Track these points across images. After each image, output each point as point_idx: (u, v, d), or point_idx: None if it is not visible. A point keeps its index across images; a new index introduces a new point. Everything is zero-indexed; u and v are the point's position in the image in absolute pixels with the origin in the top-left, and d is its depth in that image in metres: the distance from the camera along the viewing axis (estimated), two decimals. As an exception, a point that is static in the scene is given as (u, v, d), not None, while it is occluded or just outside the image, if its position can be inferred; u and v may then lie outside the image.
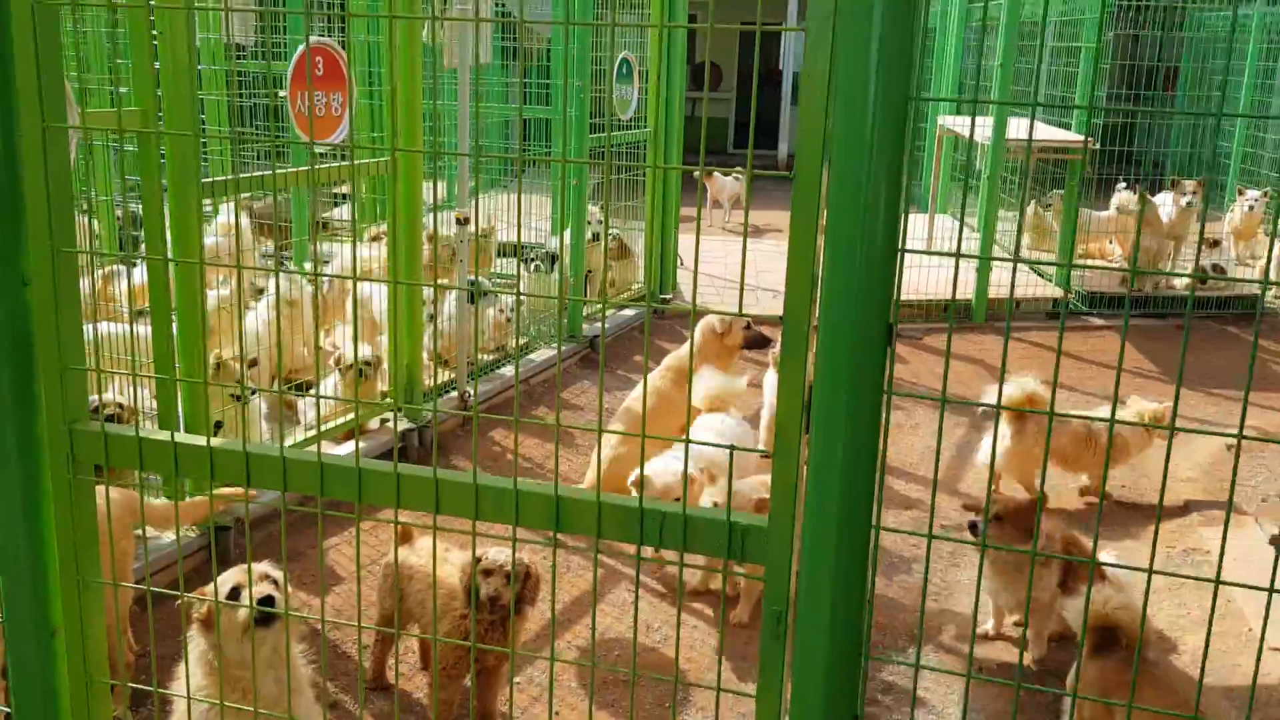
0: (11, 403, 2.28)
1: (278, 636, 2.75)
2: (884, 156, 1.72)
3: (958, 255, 1.74)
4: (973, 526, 4.14)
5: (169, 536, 4.88)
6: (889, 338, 1.80)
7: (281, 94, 5.38)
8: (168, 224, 4.58)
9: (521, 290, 8.23)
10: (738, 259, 11.34)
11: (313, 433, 5.61)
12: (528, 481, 2.06)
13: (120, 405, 4.95)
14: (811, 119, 1.74)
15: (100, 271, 6.44)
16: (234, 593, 2.85)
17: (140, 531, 4.03)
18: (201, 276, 4.88)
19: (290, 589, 3.03)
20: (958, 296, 9.71)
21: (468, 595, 3.57)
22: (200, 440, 2.21)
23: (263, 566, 2.93)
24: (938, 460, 1.95)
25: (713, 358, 5.82)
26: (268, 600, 2.71)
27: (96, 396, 4.86)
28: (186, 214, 4.54)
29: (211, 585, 2.82)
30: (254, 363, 6.06)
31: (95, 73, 7.31)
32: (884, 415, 1.83)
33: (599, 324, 8.61)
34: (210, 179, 4.71)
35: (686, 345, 5.94)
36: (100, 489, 2.36)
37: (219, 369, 5.56)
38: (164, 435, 2.23)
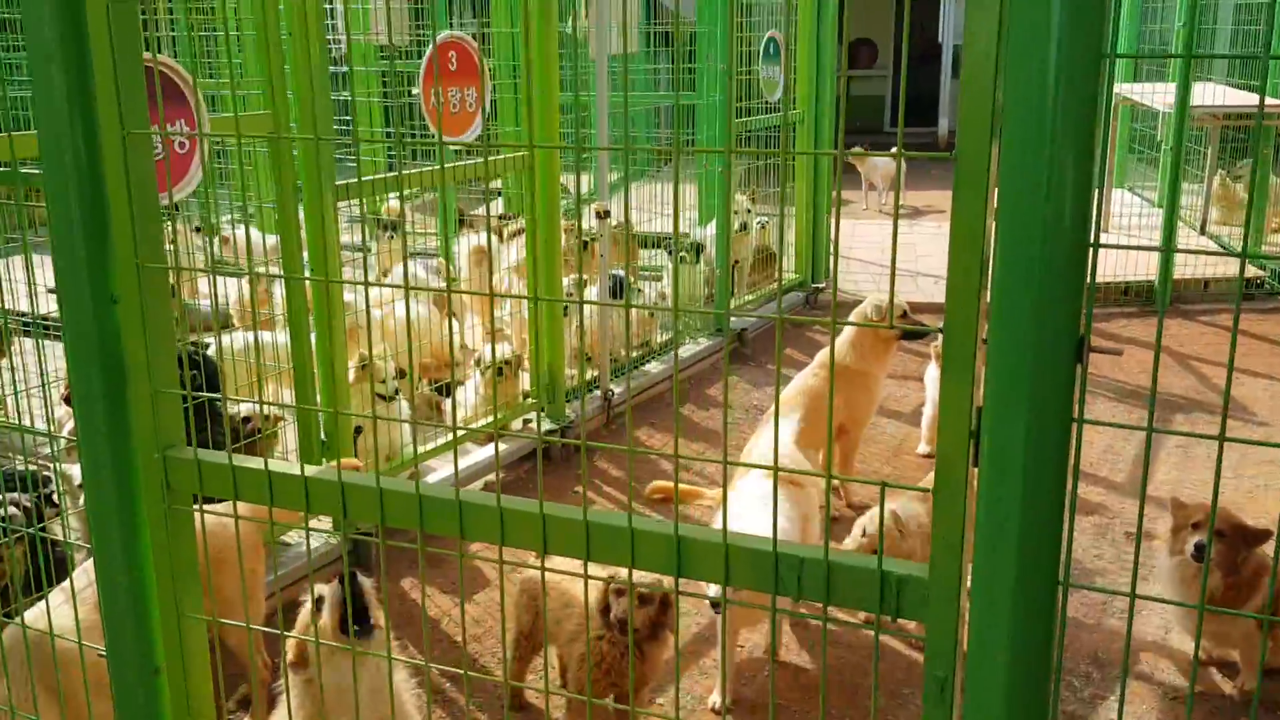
0: (106, 429, 2.15)
1: (375, 676, 2.57)
2: (1071, 127, 1.37)
3: (1169, 249, 1.37)
4: (1198, 549, 3.65)
5: (314, 541, 4.84)
6: (1079, 352, 1.45)
7: (415, 92, 5.27)
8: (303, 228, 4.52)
9: (666, 282, 7.98)
10: (898, 242, 10.77)
11: (448, 438, 5.50)
12: (645, 519, 1.80)
13: (266, 416, 4.94)
14: (976, 83, 1.41)
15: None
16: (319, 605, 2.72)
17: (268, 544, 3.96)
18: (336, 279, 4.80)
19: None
20: (1138, 277, 8.97)
21: (603, 617, 3.34)
22: (294, 469, 2.03)
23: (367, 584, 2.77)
24: (1142, 505, 1.58)
25: (868, 351, 5.43)
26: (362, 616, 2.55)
27: (242, 406, 4.85)
28: (321, 217, 4.47)
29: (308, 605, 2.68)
30: (402, 373, 5.98)
31: (251, 75, 7.43)
32: (1073, 446, 1.48)
33: (747, 317, 8.28)
34: (343, 181, 4.60)
35: (843, 336, 5.55)
36: (215, 509, 2.22)
37: (364, 369, 5.50)
38: (257, 463, 2.06)
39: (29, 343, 5.62)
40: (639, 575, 3.28)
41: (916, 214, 12.76)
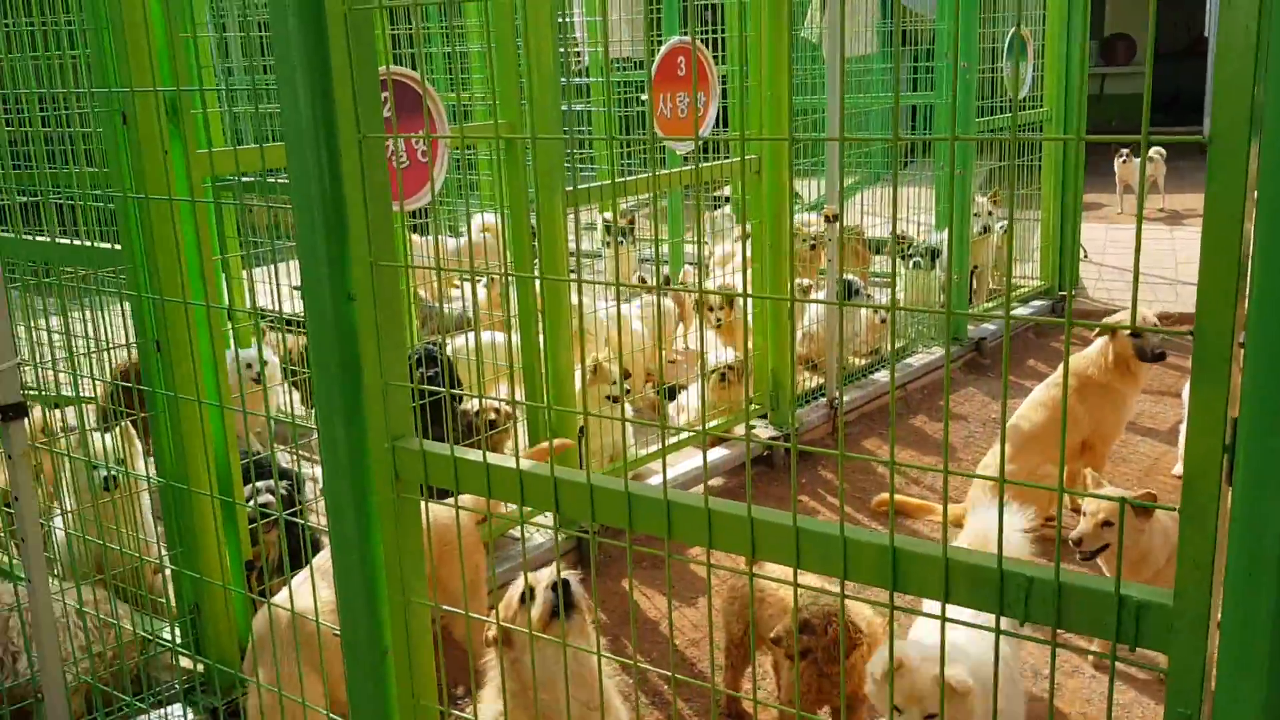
0: (342, 421, 2.26)
1: (579, 662, 2.59)
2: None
3: None
4: None
5: (539, 537, 4.98)
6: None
7: (644, 98, 5.33)
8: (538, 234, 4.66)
9: (899, 289, 7.75)
10: (1156, 248, 10.06)
11: (673, 439, 5.52)
12: (859, 528, 1.72)
13: (496, 410, 5.13)
14: (1234, 77, 1.28)
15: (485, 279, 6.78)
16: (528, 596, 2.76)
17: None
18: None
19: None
20: None
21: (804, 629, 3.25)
22: (510, 462, 2.07)
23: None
24: None
25: (1114, 364, 5.06)
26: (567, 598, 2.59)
27: (477, 401, 5.06)
28: (553, 223, 4.59)
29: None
30: (627, 374, 6.08)
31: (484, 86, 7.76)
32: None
33: (985, 325, 7.93)
34: (574, 187, 4.71)
35: (1090, 347, 5.21)
36: (434, 502, 2.31)
37: (595, 372, 5.62)
38: (476, 456, 2.12)
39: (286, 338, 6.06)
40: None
41: (1176, 219, 11.86)
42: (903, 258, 7.93)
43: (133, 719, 3.54)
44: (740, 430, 6.15)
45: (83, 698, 3.66)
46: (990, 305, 8.29)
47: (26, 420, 2.97)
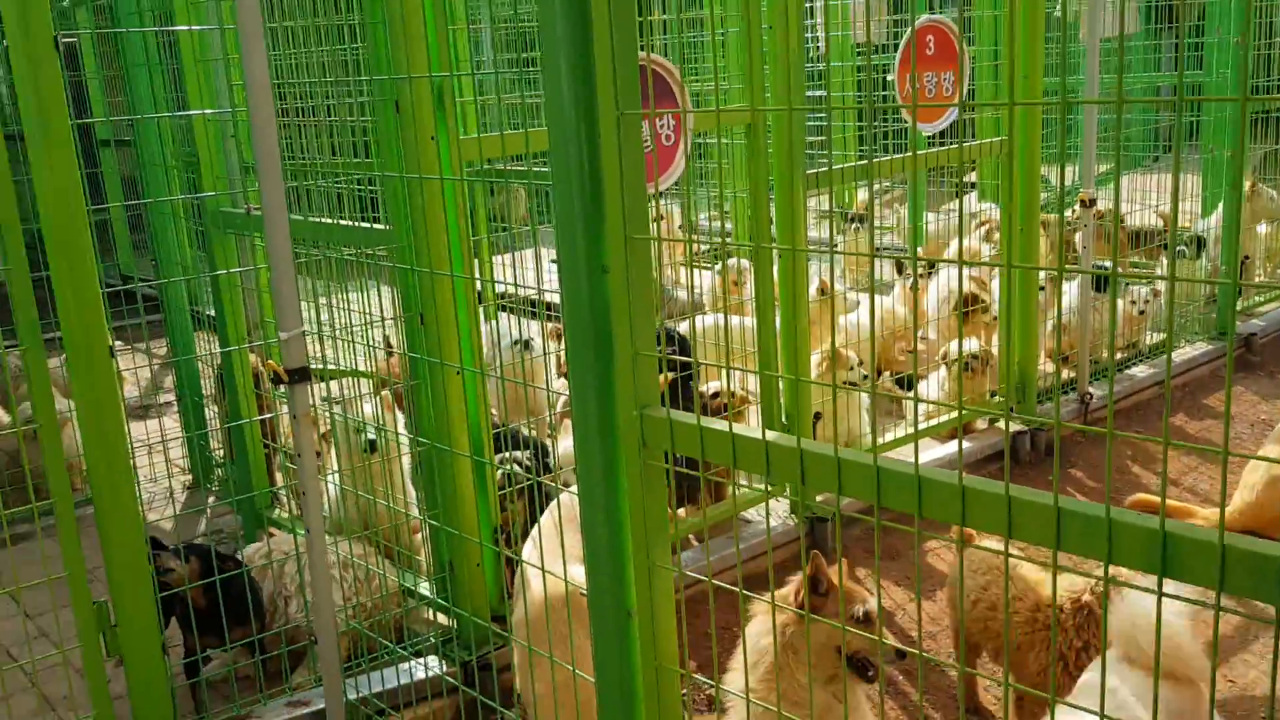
0: (595, 388, 2.35)
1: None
2: None
3: None
4: None
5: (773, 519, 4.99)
6: None
7: (890, 78, 5.23)
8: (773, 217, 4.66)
9: (1163, 278, 7.26)
10: None
11: (910, 429, 5.40)
12: (1124, 511, 1.64)
13: (732, 393, 5.16)
14: None
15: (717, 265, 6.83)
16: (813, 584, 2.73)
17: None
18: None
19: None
20: None
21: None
22: (757, 434, 2.09)
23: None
24: None
25: None
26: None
27: (715, 384, 5.12)
28: (792, 206, 4.58)
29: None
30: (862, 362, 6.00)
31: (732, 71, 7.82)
32: None
33: (1254, 320, 7.31)
34: (814, 170, 4.68)
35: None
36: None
37: (831, 360, 5.58)
38: (722, 426, 2.15)
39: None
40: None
41: None
42: (1165, 247, 7.42)
43: (391, 666, 3.79)
44: (982, 425, 5.94)
45: (348, 642, 3.96)
46: (1262, 300, 7.64)
47: (310, 384, 3.24)
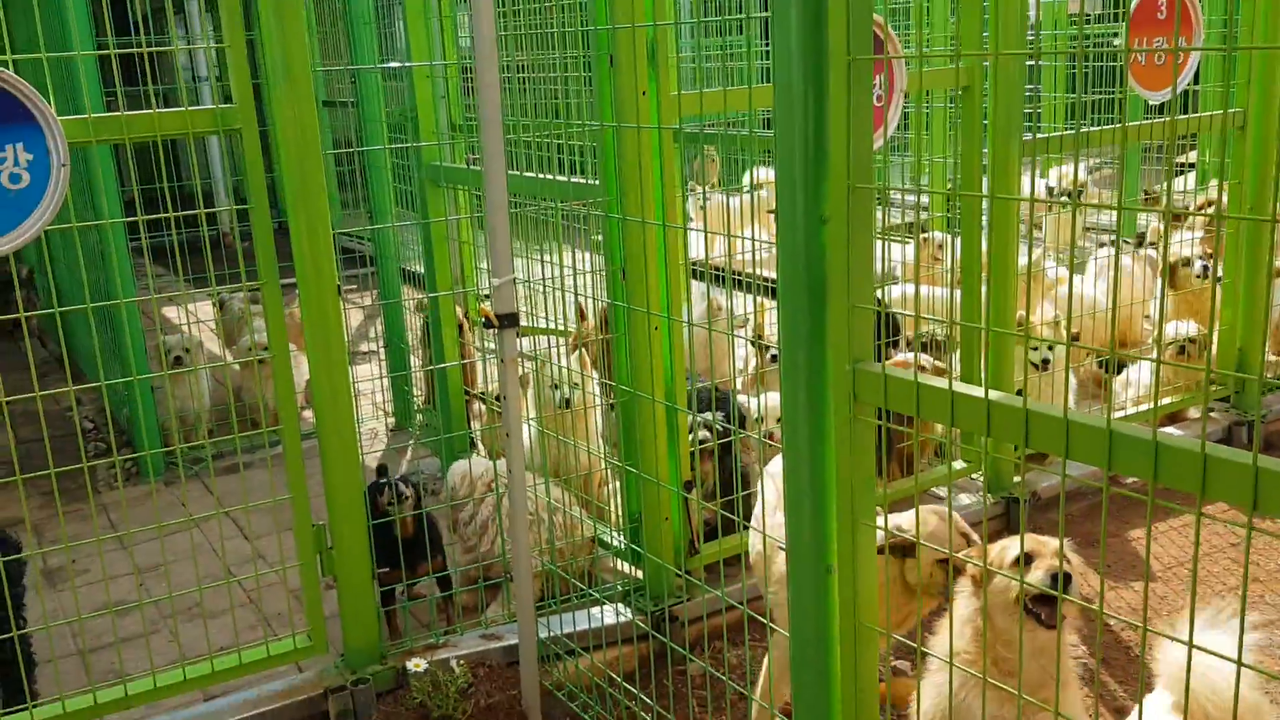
0: (806, 340, 2.33)
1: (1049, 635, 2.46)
2: None
3: None
4: None
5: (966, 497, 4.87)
6: None
7: (1117, 43, 4.96)
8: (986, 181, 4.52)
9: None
10: None
11: (1120, 413, 5.15)
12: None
13: (923, 367, 5.05)
14: None
15: (923, 236, 6.65)
16: (1030, 559, 2.62)
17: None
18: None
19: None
20: None
21: None
22: (978, 391, 2.03)
23: (1053, 543, 2.64)
24: None
25: None
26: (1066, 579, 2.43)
27: (902, 354, 5.01)
28: (1007, 174, 4.42)
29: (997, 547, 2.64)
30: (1076, 336, 5.73)
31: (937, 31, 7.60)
32: None
33: None
34: (1033, 137, 4.50)
35: None
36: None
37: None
38: (941, 383, 2.10)
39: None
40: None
41: None
42: None
43: (581, 610, 3.90)
44: (1195, 413, 5.61)
45: (540, 583, 4.09)
46: None
47: (518, 330, 3.34)
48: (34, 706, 3.29)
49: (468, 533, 4.26)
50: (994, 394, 2.02)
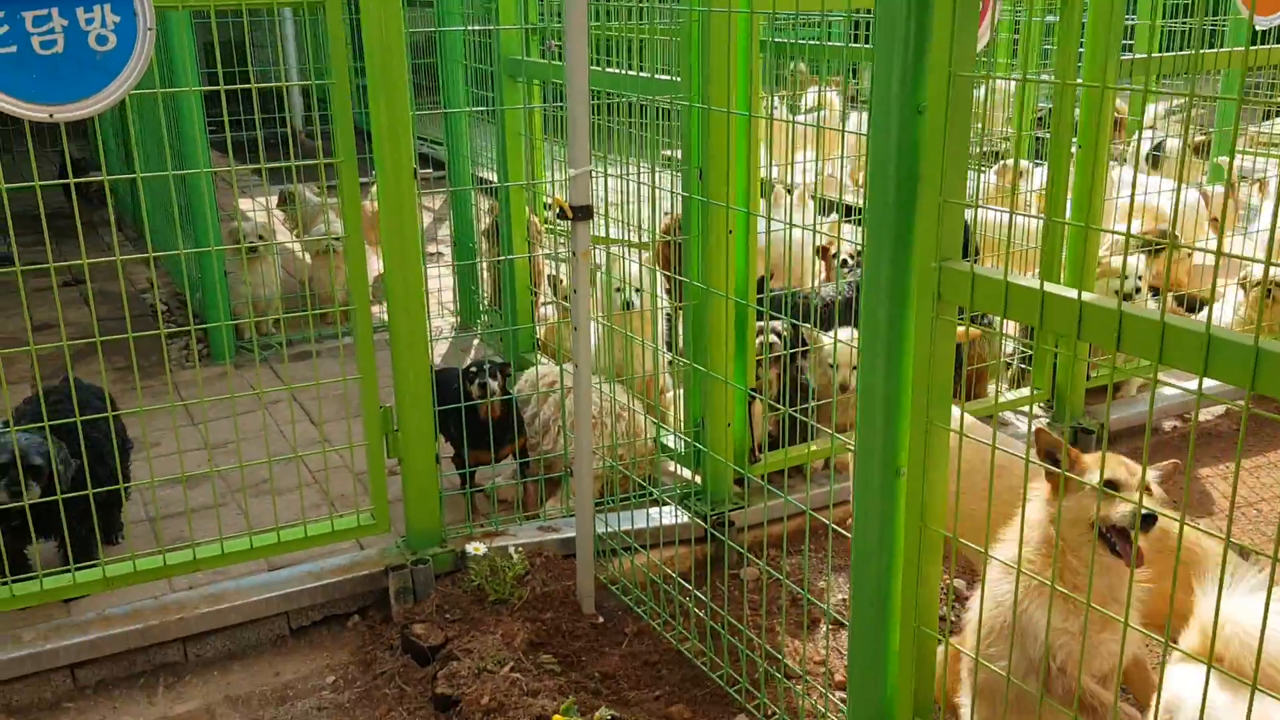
0: (892, 238, 2.27)
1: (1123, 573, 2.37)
2: None
3: None
4: None
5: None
6: None
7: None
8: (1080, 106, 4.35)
9: None
10: None
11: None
12: None
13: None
14: None
15: (999, 165, 6.47)
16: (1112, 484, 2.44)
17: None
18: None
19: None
20: None
21: None
22: (1071, 292, 1.96)
23: (1150, 475, 2.46)
24: None
25: None
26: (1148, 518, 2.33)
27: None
28: (1098, 92, 4.26)
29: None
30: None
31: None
32: None
33: None
34: (1132, 56, 4.32)
35: None
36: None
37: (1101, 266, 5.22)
38: (1032, 282, 2.03)
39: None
40: None
41: None
42: None
43: (639, 509, 3.92)
44: None
45: (600, 482, 4.11)
46: None
47: (590, 223, 3.31)
48: (106, 564, 3.40)
49: (530, 431, 4.30)
50: (1087, 295, 1.95)
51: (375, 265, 5.97)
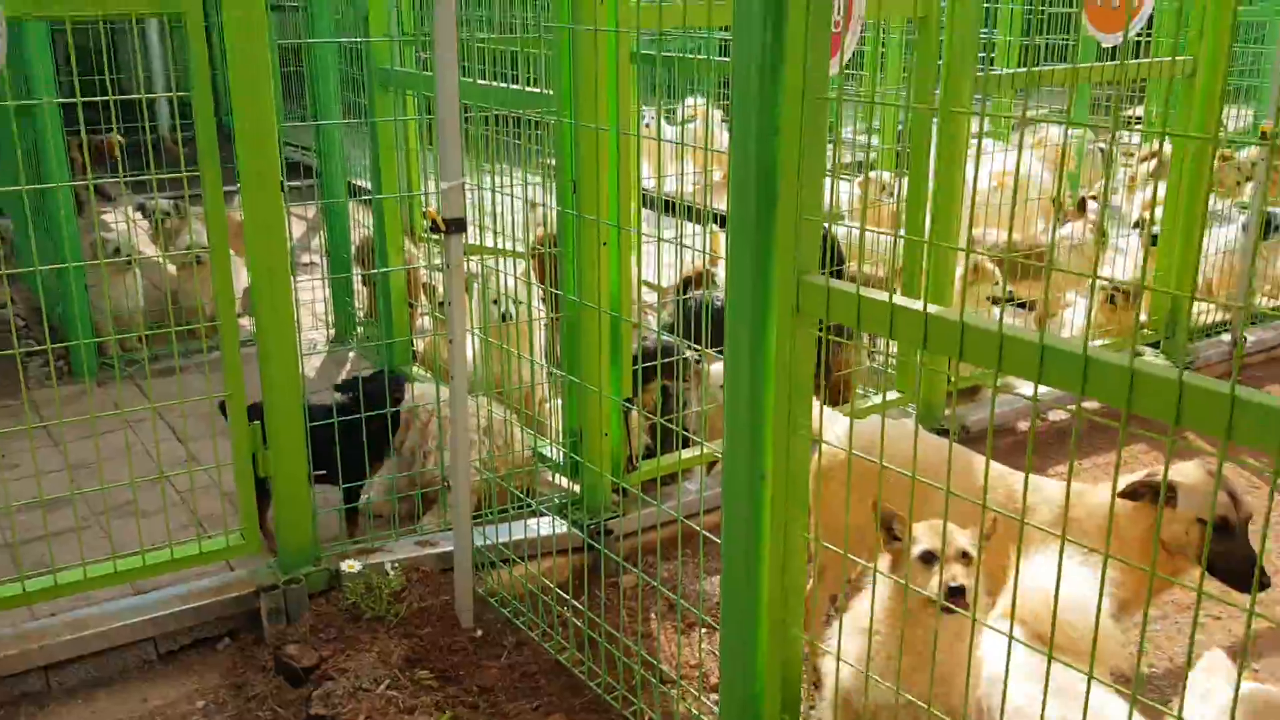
0: (752, 252, 2.35)
1: (962, 623, 2.49)
2: None
3: None
4: None
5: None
6: None
7: (1073, -16, 4.98)
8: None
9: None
10: None
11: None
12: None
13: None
14: None
15: (860, 177, 6.66)
16: (928, 556, 2.53)
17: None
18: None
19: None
20: None
21: None
22: (917, 304, 2.07)
23: (963, 540, 2.54)
24: None
25: None
26: (956, 591, 2.42)
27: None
28: (959, 105, 4.45)
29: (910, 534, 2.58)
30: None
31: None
32: None
33: None
34: (984, 72, 4.53)
35: None
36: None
37: (976, 271, 5.45)
38: (883, 295, 2.13)
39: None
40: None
41: None
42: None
43: (517, 520, 3.93)
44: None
45: (477, 495, 4.11)
46: None
47: (464, 236, 3.32)
48: (-40, 594, 3.26)
49: (404, 450, 4.27)
50: (933, 307, 2.06)
51: (245, 276, 5.86)
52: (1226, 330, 5.89)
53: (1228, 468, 2.56)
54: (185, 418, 3.90)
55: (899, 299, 2.11)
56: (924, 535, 2.56)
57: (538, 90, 3.93)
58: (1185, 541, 2.93)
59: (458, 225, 3.29)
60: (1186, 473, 2.97)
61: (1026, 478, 2.17)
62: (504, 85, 4.07)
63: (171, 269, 6.13)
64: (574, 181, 3.74)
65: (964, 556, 2.50)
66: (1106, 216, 6.81)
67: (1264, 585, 2.88)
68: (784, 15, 2.18)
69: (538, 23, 4.04)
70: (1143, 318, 5.71)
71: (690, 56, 5.10)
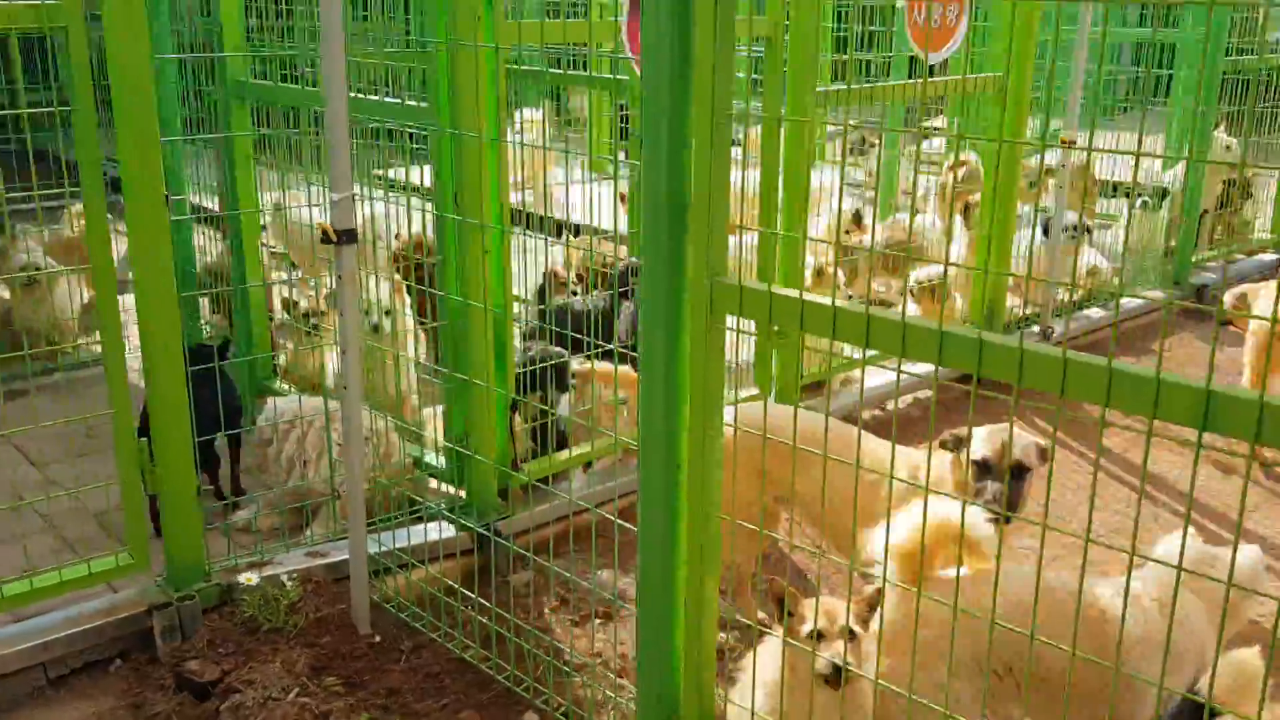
0: (666, 257, 2.52)
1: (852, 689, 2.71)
2: None
3: None
4: None
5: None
6: None
7: (900, 4, 5.40)
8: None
9: (1123, 230, 7.59)
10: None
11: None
12: (1174, 376, 1.86)
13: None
14: None
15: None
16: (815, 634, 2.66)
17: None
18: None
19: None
20: None
21: None
22: (826, 300, 2.29)
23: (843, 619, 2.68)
24: None
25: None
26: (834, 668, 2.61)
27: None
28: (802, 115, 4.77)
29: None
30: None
31: None
32: None
33: (1207, 272, 7.71)
34: (825, 88, 4.86)
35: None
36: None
37: (820, 275, 5.80)
38: (793, 292, 2.34)
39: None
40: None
41: None
42: (1128, 196, 7.76)
43: (403, 528, 3.98)
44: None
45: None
46: (1212, 254, 8.03)
47: (356, 246, 3.36)
48: None
49: (275, 468, 4.25)
50: (840, 302, 2.29)
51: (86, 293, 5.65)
52: (1037, 323, 6.46)
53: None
54: (38, 440, 3.77)
55: (809, 295, 2.33)
56: (811, 614, 2.68)
57: (415, 103, 3.99)
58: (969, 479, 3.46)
59: (349, 236, 3.33)
60: (979, 430, 3.45)
61: (893, 446, 2.43)
62: (382, 100, 4.11)
63: (4, 292, 5.82)
64: (456, 191, 3.83)
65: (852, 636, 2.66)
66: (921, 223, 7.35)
67: (1007, 519, 3.27)
68: (690, 33, 2.36)
69: (408, 39, 4.09)
70: (965, 310, 6.22)
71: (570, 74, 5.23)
